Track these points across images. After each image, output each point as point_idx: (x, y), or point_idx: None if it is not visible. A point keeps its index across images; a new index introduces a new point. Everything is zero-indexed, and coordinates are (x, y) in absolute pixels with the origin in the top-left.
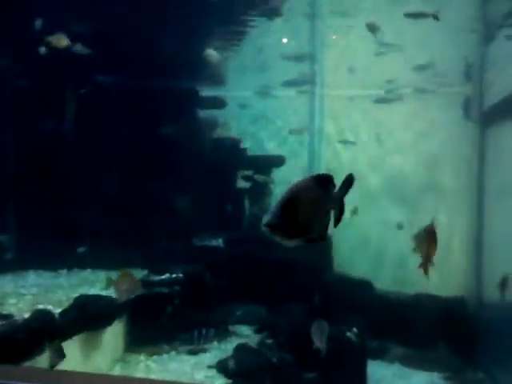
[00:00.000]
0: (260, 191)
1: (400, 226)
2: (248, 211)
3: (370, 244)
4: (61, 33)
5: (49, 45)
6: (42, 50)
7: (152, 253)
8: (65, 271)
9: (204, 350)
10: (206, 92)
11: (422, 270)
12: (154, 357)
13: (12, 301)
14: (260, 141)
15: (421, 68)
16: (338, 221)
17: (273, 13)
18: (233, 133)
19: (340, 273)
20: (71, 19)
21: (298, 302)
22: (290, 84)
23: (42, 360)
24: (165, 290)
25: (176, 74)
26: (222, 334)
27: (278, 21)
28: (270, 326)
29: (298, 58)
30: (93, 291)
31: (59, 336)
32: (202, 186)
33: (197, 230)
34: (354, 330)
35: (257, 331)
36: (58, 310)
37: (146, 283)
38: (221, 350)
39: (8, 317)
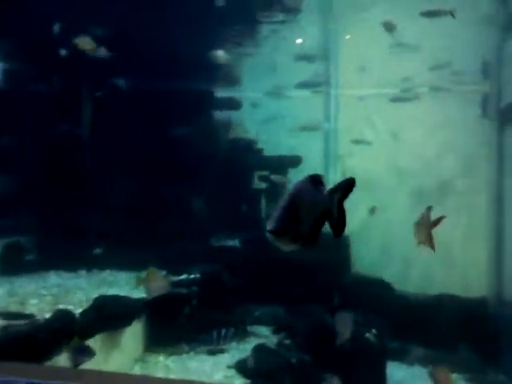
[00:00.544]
0: (276, 191)
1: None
2: (264, 211)
3: (388, 244)
4: (85, 35)
5: (75, 47)
6: (63, 52)
7: (169, 254)
8: (84, 272)
9: (222, 351)
10: (221, 93)
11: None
12: (173, 357)
13: (33, 301)
14: (276, 141)
15: (437, 66)
16: (340, 227)
17: (289, 13)
18: (248, 133)
19: (358, 273)
20: (89, 23)
21: (317, 302)
22: (304, 84)
23: (62, 359)
24: (183, 290)
25: (191, 76)
26: (241, 334)
27: (293, 21)
28: (288, 327)
29: (313, 58)
30: (111, 292)
31: (78, 335)
32: (218, 187)
33: (213, 231)
34: (373, 330)
35: (275, 332)
36: (78, 311)
37: None
38: (239, 350)
39: (30, 316)
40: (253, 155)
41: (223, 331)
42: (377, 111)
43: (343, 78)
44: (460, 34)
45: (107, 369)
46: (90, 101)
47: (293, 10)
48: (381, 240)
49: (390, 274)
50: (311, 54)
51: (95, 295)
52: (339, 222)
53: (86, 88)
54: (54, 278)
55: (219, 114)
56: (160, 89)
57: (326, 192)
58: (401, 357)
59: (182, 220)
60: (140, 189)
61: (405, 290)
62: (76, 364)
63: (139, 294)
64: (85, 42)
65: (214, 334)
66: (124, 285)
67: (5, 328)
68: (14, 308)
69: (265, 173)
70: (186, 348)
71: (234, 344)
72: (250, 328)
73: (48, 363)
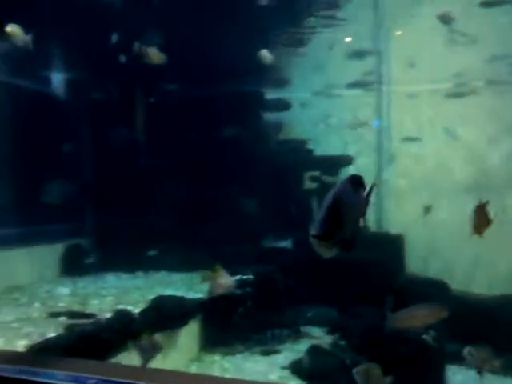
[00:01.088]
0: (327, 192)
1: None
2: (316, 212)
3: (445, 243)
4: (153, 47)
5: (132, 55)
6: (121, 59)
7: (222, 255)
8: (141, 273)
9: (277, 351)
10: (270, 94)
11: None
12: (228, 357)
13: (94, 301)
14: (327, 141)
15: (495, 59)
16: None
17: (338, 10)
18: (298, 134)
19: (414, 273)
20: (144, 31)
21: (370, 303)
22: (355, 82)
23: (124, 358)
24: (237, 291)
25: (241, 78)
26: (294, 335)
27: (341, 18)
28: (342, 328)
29: (363, 55)
30: (168, 292)
31: (143, 332)
32: (269, 188)
33: (265, 232)
34: (431, 332)
35: (329, 332)
36: (136, 310)
37: None
38: (293, 350)
39: (91, 316)
40: (303, 155)
41: (277, 332)
42: (431, 108)
43: (395, 74)
44: None
45: (164, 367)
46: (144, 106)
47: (342, 7)
48: (436, 239)
49: (442, 272)
50: (362, 51)
51: (152, 295)
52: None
53: (140, 94)
54: (112, 278)
55: (269, 116)
56: (211, 92)
57: (364, 194)
58: (460, 359)
59: (235, 221)
60: (193, 191)
61: (463, 290)
62: (145, 359)
63: (195, 294)
64: (153, 54)
65: (269, 334)
66: (180, 285)
67: (70, 327)
68: (76, 308)
69: (316, 173)
70: (240, 348)
71: (287, 345)
72: (303, 329)
73: (111, 361)
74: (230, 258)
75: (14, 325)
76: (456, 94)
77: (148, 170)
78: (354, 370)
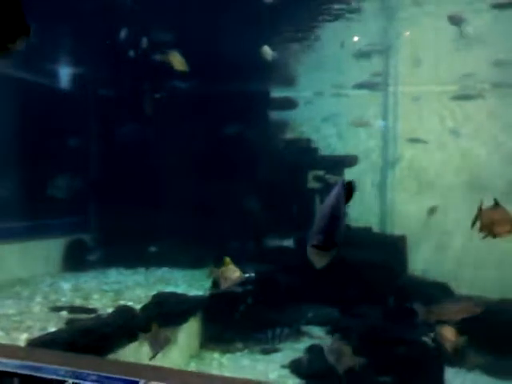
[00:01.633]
0: (331, 191)
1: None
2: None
3: (449, 245)
4: (176, 52)
5: (164, 63)
6: (130, 55)
7: (224, 252)
8: (143, 269)
9: (276, 350)
10: (277, 93)
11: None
12: (228, 354)
13: (96, 296)
14: (332, 140)
15: (503, 62)
16: None
17: (348, 9)
18: (304, 133)
19: (416, 275)
20: (152, 29)
21: (372, 304)
22: (363, 82)
23: (125, 353)
24: (238, 289)
25: (248, 77)
26: (295, 334)
27: (350, 18)
28: (342, 328)
29: (371, 55)
30: (168, 289)
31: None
32: (273, 187)
33: (268, 231)
34: (431, 334)
35: (329, 332)
36: (137, 306)
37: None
38: (293, 349)
39: (92, 311)
40: (308, 154)
41: (278, 330)
42: (437, 109)
43: (402, 75)
44: None
45: (164, 365)
46: (152, 103)
47: (351, 6)
48: (440, 240)
49: (445, 274)
50: (370, 51)
51: (153, 292)
52: None
53: (148, 91)
54: (114, 274)
55: (275, 114)
56: (218, 90)
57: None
58: (460, 362)
59: (238, 219)
60: (198, 188)
61: (464, 293)
62: (155, 351)
63: (196, 291)
64: (176, 61)
65: (269, 333)
66: (181, 282)
67: (71, 321)
68: (78, 303)
69: (319, 172)
70: (240, 346)
71: (288, 344)
72: (303, 328)
73: (110, 357)
74: (232, 255)
75: (16, 318)
76: (463, 96)
77: (154, 166)
78: (326, 349)
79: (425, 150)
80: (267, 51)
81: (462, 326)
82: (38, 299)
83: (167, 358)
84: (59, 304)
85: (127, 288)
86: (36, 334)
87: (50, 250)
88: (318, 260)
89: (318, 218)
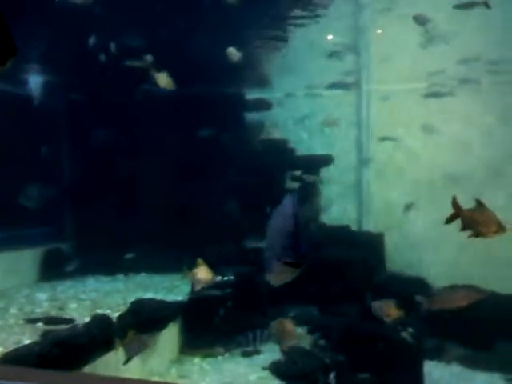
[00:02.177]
0: (309, 191)
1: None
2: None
3: (425, 241)
4: (163, 72)
5: (154, 82)
6: (102, 57)
7: (203, 256)
8: (121, 276)
9: (258, 352)
10: (251, 94)
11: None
12: (209, 359)
13: (73, 306)
14: (307, 140)
15: (473, 58)
16: None
17: (318, 9)
18: (279, 134)
19: (394, 271)
20: (123, 33)
21: (351, 302)
22: (335, 81)
23: (102, 363)
24: (217, 292)
25: (221, 79)
26: (275, 335)
27: (322, 17)
28: (322, 327)
29: (343, 54)
30: (148, 295)
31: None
32: (250, 188)
33: (247, 232)
34: (410, 329)
35: (309, 332)
36: (115, 314)
37: None
38: (274, 351)
39: (68, 321)
40: (284, 155)
41: (258, 333)
42: (409, 107)
43: (373, 73)
44: (495, 23)
45: (144, 371)
46: (124, 108)
47: (322, 6)
48: (417, 237)
49: (421, 270)
50: (341, 50)
51: (132, 298)
52: None
53: (120, 95)
54: (92, 282)
55: (250, 116)
56: (191, 93)
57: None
58: (438, 356)
59: (216, 222)
60: (174, 192)
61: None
62: (130, 356)
63: (175, 296)
64: (163, 80)
65: (249, 335)
66: (160, 288)
67: (47, 333)
68: (54, 313)
69: (297, 173)
70: (221, 350)
71: (268, 345)
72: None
73: (86, 368)
74: (211, 258)
75: None
76: (434, 93)
77: (128, 171)
78: (271, 324)
79: (398, 148)
80: (233, 52)
81: (439, 321)
82: (13, 311)
83: (147, 364)
84: (35, 315)
85: (105, 295)
86: (10, 347)
87: (25, 260)
88: (286, 277)
89: (278, 234)
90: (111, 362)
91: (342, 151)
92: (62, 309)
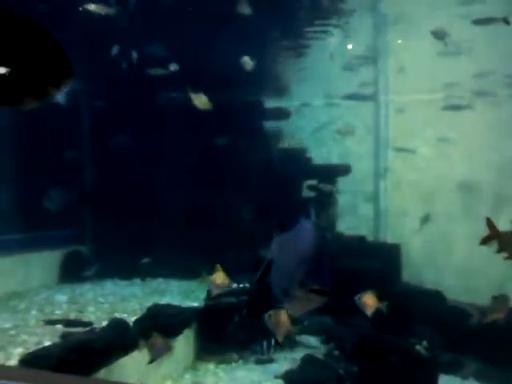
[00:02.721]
0: (325, 200)
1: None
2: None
3: (443, 253)
4: (201, 94)
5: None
6: (125, 65)
7: (219, 263)
8: (138, 280)
9: (272, 360)
10: (270, 103)
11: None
12: (223, 365)
13: (91, 309)
14: (325, 150)
15: (489, 71)
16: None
17: (339, 20)
18: (297, 143)
19: (410, 283)
20: (145, 42)
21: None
22: (354, 92)
23: (117, 367)
24: (233, 299)
25: (242, 87)
26: (290, 344)
27: (341, 28)
28: (336, 338)
29: (362, 65)
30: (164, 300)
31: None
32: (267, 197)
33: (263, 240)
34: (424, 343)
35: (324, 342)
36: (132, 319)
37: None
38: (288, 360)
39: (87, 324)
40: (302, 164)
41: (272, 341)
42: (426, 118)
43: (391, 84)
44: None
45: (157, 376)
46: (145, 115)
47: (342, 17)
48: (433, 249)
49: (438, 282)
50: (359, 60)
51: (148, 303)
52: None
53: (141, 102)
54: (110, 286)
55: (269, 124)
56: (211, 101)
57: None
58: (454, 370)
59: (232, 229)
60: (192, 199)
61: (459, 301)
62: (154, 358)
63: (191, 302)
64: (200, 100)
65: (264, 343)
66: (176, 293)
67: (66, 335)
68: (73, 315)
69: (313, 182)
70: (235, 357)
71: (283, 354)
72: (298, 338)
73: (102, 371)
74: (227, 265)
75: (11, 332)
76: (452, 105)
77: (148, 177)
78: (266, 316)
79: (415, 159)
80: (247, 61)
81: (455, 335)
82: (34, 312)
83: (161, 368)
84: (55, 317)
85: (123, 300)
86: (31, 348)
87: (45, 262)
88: (310, 306)
89: (297, 258)
90: (127, 366)
91: (359, 161)
92: (81, 311)
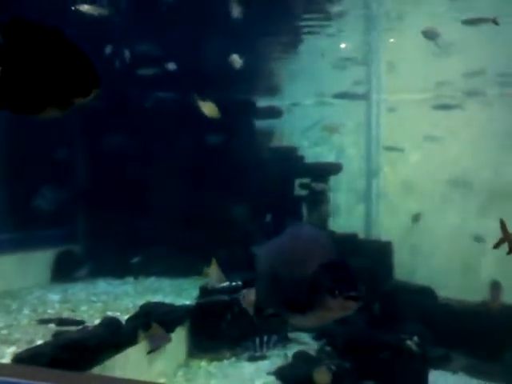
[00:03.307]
0: (317, 199)
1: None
2: (306, 219)
3: (433, 251)
4: (209, 101)
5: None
6: (117, 65)
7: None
8: (131, 279)
9: (264, 357)
10: (261, 102)
11: None
12: (215, 362)
13: (84, 308)
14: (317, 148)
15: (480, 71)
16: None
17: (330, 20)
18: (289, 141)
19: (401, 280)
20: (136, 42)
21: (357, 310)
22: (345, 90)
23: (110, 365)
24: (225, 297)
25: (233, 86)
26: (283, 341)
27: (333, 27)
28: (328, 334)
29: (354, 64)
30: (158, 298)
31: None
32: (260, 195)
33: (256, 239)
34: (415, 338)
35: (316, 338)
36: (125, 317)
37: (206, 291)
38: (280, 356)
39: (79, 323)
40: (294, 163)
41: (265, 338)
42: (418, 117)
43: (383, 83)
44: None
45: (151, 374)
46: (137, 114)
47: (335, 16)
48: (423, 246)
49: (429, 280)
50: (352, 60)
51: (141, 302)
52: None
53: (133, 102)
54: (103, 284)
55: (260, 123)
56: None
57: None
58: (444, 365)
59: (225, 228)
60: (184, 197)
61: (449, 298)
62: (154, 348)
63: (183, 300)
64: (209, 109)
65: (256, 340)
66: (169, 292)
67: (58, 334)
68: (65, 314)
69: (306, 180)
70: (228, 354)
71: (275, 351)
72: (291, 334)
73: (95, 369)
74: (219, 264)
75: (4, 331)
76: (443, 104)
77: (139, 176)
78: (240, 296)
79: (407, 158)
80: (236, 59)
81: (445, 330)
82: (27, 311)
83: (154, 366)
84: (47, 316)
85: (115, 298)
86: (23, 346)
87: (38, 261)
88: (340, 314)
89: (324, 267)
90: (120, 364)
91: (351, 160)
92: (73, 310)
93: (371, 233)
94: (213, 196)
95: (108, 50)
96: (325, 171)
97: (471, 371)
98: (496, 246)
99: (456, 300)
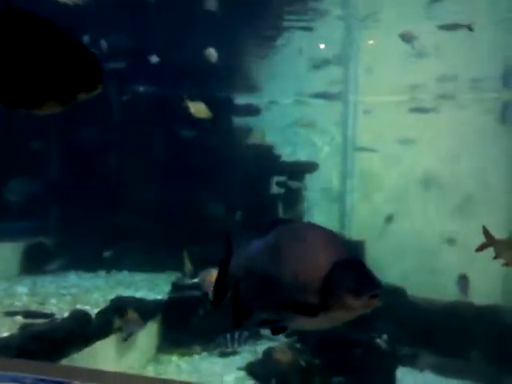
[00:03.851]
0: (293, 197)
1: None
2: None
3: (404, 251)
4: (200, 102)
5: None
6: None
7: (187, 255)
8: (103, 273)
9: (235, 353)
10: (239, 99)
11: None
12: (186, 357)
13: (53, 301)
14: (293, 147)
15: (456, 75)
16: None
17: (310, 19)
18: (266, 139)
19: None
20: (109, 32)
21: None
22: (323, 90)
23: (79, 358)
24: (197, 293)
25: (211, 82)
26: (254, 337)
27: (312, 26)
28: (299, 331)
29: (331, 64)
30: (129, 292)
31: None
32: (236, 192)
33: (231, 235)
34: (384, 336)
35: (287, 335)
36: (95, 310)
37: (178, 286)
38: (252, 352)
39: (47, 315)
40: (270, 161)
41: (236, 333)
42: (392, 119)
43: (359, 85)
44: (479, 43)
45: (120, 368)
46: (112, 107)
47: (314, 16)
48: (395, 247)
49: (400, 279)
50: (329, 60)
51: (112, 296)
52: None
53: (107, 94)
54: (73, 277)
55: (237, 120)
56: (178, 95)
57: None
58: (412, 363)
59: (200, 224)
60: (159, 192)
61: (418, 297)
62: (129, 334)
63: (155, 295)
64: (199, 110)
65: (228, 336)
66: (141, 286)
67: (25, 326)
68: (34, 307)
69: (282, 178)
70: (198, 349)
71: (246, 346)
72: (263, 331)
73: (63, 362)
74: (193, 259)
75: None
76: (418, 107)
77: (114, 169)
78: (199, 279)
79: (382, 159)
80: (211, 53)
81: (413, 328)
82: None
83: (124, 360)
84: (14, 309)
85: (86, 292)
86: None
87: (6, 253)
88: (360, 312)
89: (339, 266)
90: (88, 357)
91: (327, 159)
92: (42, 303)
93: (344, 232)
94: (188, 192)
95: (85, 40)
96: (300, 170)
97: (438, 369)
98: (479, 250)
99: (425, 299)
